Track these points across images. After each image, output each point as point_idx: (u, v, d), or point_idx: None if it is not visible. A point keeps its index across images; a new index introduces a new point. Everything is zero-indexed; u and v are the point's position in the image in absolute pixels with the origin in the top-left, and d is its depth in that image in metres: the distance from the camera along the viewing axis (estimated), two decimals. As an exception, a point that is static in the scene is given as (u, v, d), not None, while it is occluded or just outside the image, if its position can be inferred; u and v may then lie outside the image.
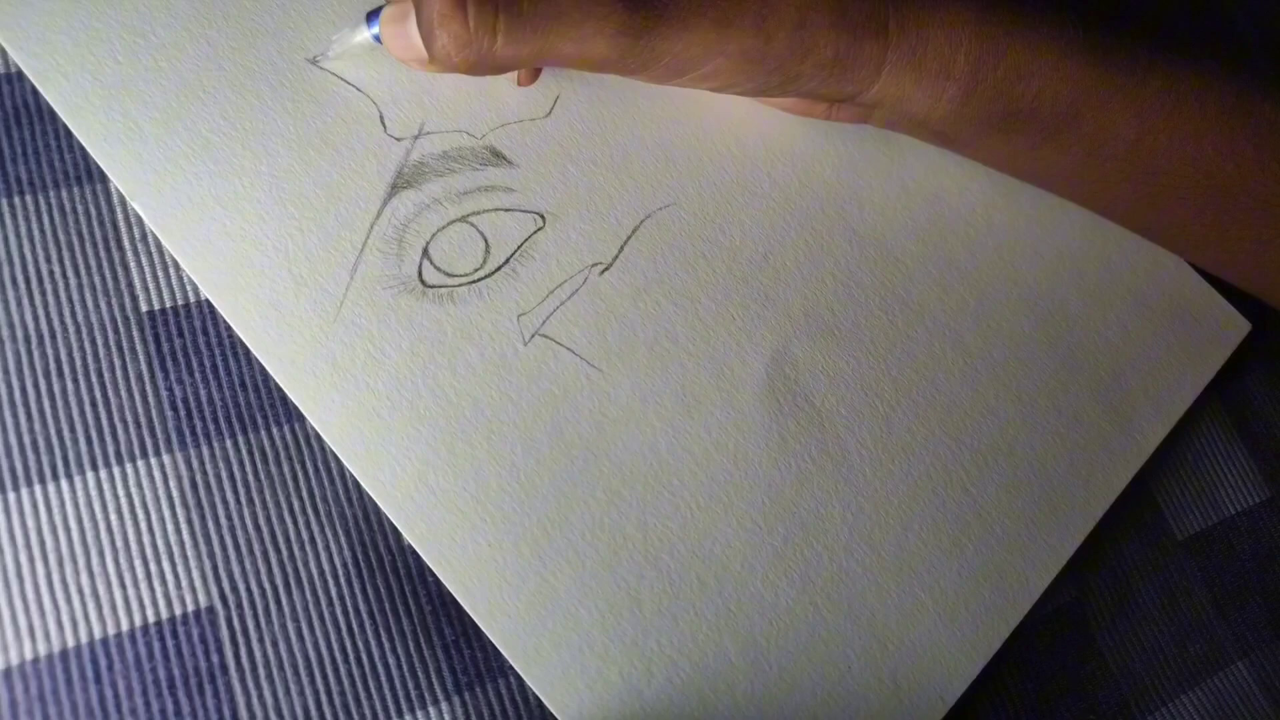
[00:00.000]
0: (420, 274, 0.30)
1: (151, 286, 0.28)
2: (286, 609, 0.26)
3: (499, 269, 0.30)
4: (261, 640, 0.26)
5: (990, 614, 0.30)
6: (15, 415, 0.26)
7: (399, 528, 0.27)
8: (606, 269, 0.31)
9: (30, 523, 0.25)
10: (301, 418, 0.28)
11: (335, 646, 0.26)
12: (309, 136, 0.30)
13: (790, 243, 0.33)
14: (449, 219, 0.30)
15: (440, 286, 0.30)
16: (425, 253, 0.30)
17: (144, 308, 0.28)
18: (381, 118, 0.31)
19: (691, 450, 0.30)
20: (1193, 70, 0.30)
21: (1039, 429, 0.33)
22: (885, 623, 0.30)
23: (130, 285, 0.28)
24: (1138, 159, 0.31)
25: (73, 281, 0.28)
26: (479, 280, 0.30)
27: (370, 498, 0.27)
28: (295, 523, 0.27)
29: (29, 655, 0.24)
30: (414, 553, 0.27)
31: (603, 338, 0.30)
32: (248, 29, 0.31)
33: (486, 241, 0.31)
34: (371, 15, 0.29)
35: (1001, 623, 0.31)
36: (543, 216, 0.31)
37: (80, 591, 0.25)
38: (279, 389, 0.28)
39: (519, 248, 0.31)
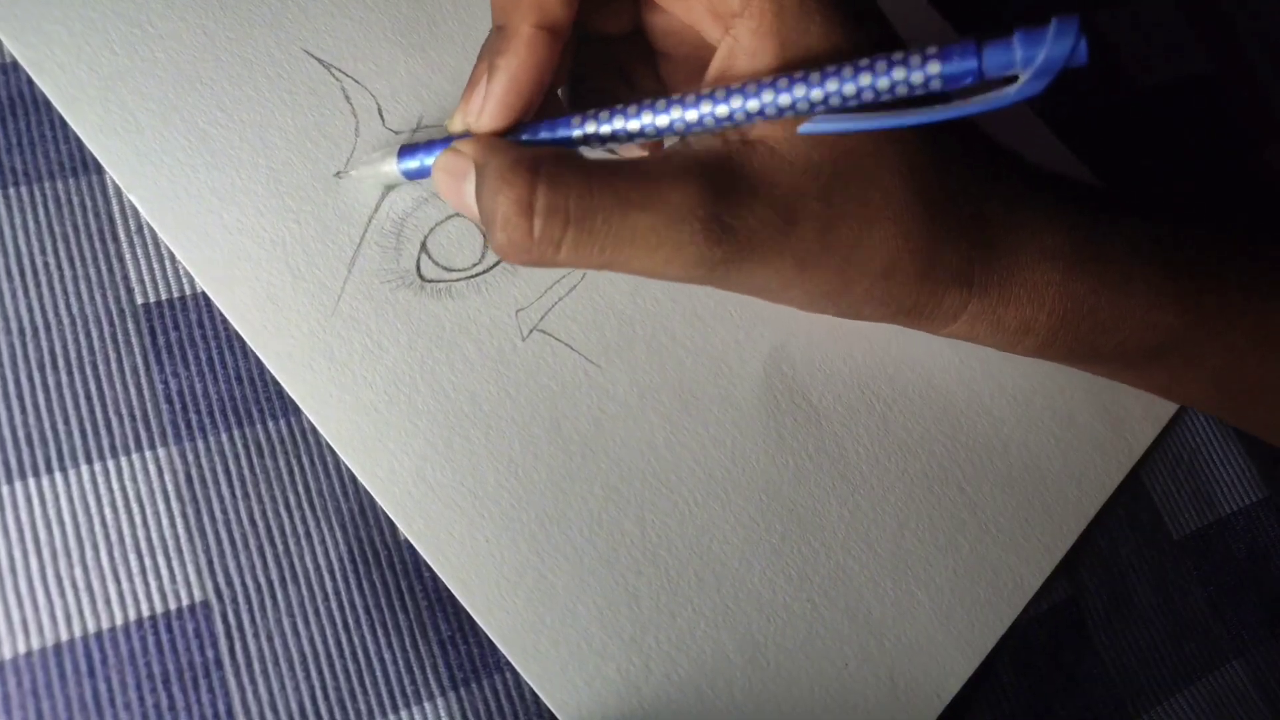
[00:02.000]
0: (418, 268, 0.29)
1: (147, 279, 0.28)
2: (282, 604, 0.26)
3: (497, 264, 0.30)
4: (257, 635, 0.26)
5: (985, 611, 0.31)
6: (9, 408, 0.26)
7: (396, 523, 0.27)
8: (605, 265, 0.31)
9: (24, 516, 0.25)
10: (298, 411, 0.28)
11: (331, 641, 0.26)
12: (307, 129, 0.30)
13: (788, 240, 0.33)
14: (447, 213, 0.30)
15: (438, 281, 0.30)
16: (423, 247, 0.30)
17: (139, 300, 0.28)
18: (380, 110, 0.31)
19: (689, 446, 0.30)
20: None
21: (1033, 428, 0.33)
22: (882, 620, 0.30)
23: (126, 278, 0.28)
24: (1224, 382, 0.30)
25: (68, 274, 0.28)
26: (477, 275, 0.30)
27: (367, 492, 0.27)
28: (291, 517, 0.27)
29: (22, 649, 0.24)
30: (411, 548, 0.27)
31: (601, 334, 0.30)
32: (245, 20, 0.31)
33: (484, 236, 0.30)
34: (404, 152, 0.28)
35: (997, 620, 0.31)
36: (541, 212, 0.31)
37: (74, 585, 0.25)
38: (275, 382, 0.28)
39: (517, 243, 0.31)
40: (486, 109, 0.25)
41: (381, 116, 0.31)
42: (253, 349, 0.28)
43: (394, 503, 0.27)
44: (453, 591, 0.27)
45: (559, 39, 0.26)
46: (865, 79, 0.22)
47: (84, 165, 0.29)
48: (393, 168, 0.28)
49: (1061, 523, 0.33)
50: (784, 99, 0.23)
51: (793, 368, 0.32)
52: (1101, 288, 0.27)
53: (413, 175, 0.28)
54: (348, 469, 0.27)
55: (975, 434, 0.33)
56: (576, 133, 0.25)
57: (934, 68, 0.21)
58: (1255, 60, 0.44)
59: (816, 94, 0.22)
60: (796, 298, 0.26)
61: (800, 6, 0.24)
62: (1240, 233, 0.30)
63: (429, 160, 0.27)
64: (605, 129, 0.25)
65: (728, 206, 0.24)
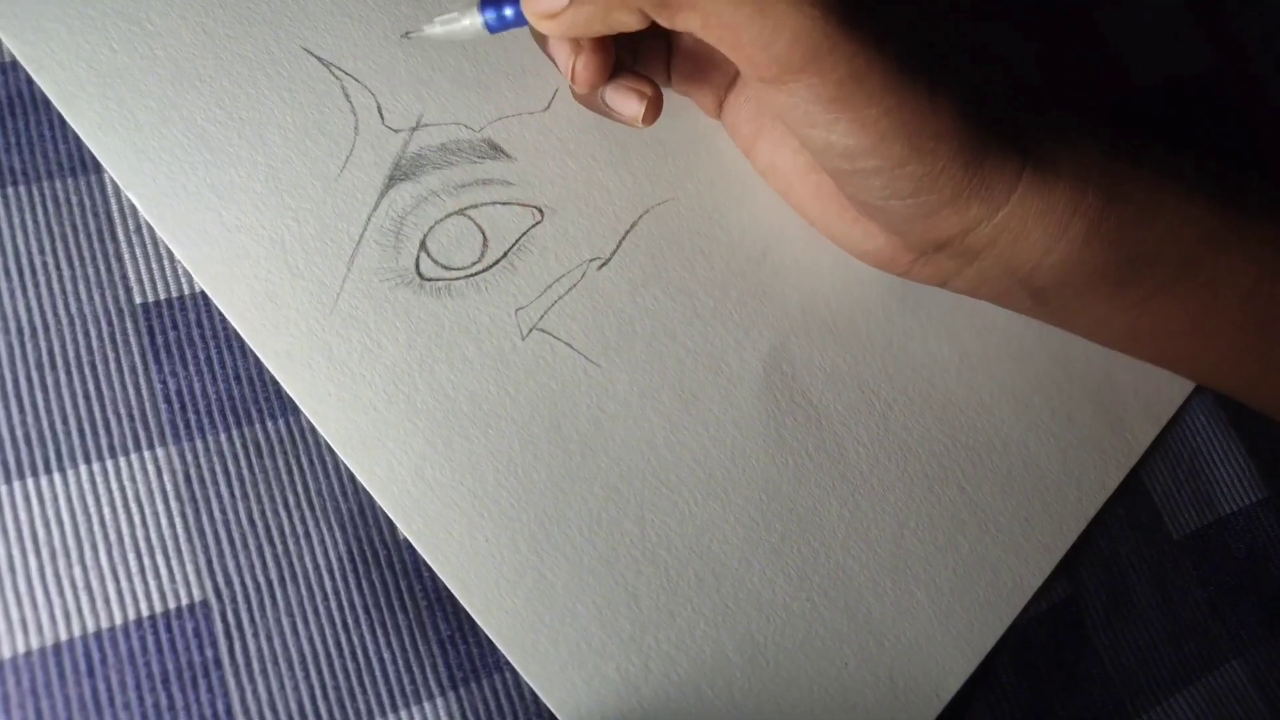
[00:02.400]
0: (418, 267, 0.29)
1: (146, 278, 0.28)
2: (281, 603, 0.26)
3: (497, 263, 0.30)
4: (256, 635, 0.26)
5: (985, 611, 0.31)
6: (8, 408, 0.26)
7: (395, 522, 0.27)
8: (605, 264, 0.31)
9: (23, 516, 0.25)
10: (296, 411, 0.28)
11: (330, 641, 0.26)
12: (306, 126, 0.30)
13: (789, 240, 0.33)
14: (447, 212, 0.30)
15: (438, 280, 0.29)
16: (423, 245, 0.30)
17: (138, 300, 0.28)
18: (379, 109, 0.31)
19: (689, 446, 0.30)
20: None
21: (1033, 428, 0.33)
22: (881, 619, 0.30)
23: (124, 277, 0.28)
24: (1253, 307, 0.29)
25: (66, 273, 0.28)
26: (477, 274, 0.30)
27: (366, 492, 0.27)
28: (290, 517, 0.27)
29: (21, 649, 0.24)
30: (410, 548, 0.27)
31: (600, 333, 0.30)
32: (244, 17, 0.31)
33: (484, 235, 0.30)
34: (485, 3, 0.27)
35: (996, 620, 0.31)
36: (541, 210, 0.31)
37: (73, 585, 0.25)
38: (274, 382, 0.28)
39: (517, 242, 0.31)
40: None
41: (381, 115, 0.31)
42: (251, 348, 0.27)
43: (393, 502, 0.27)
44: (452, 591, 0.27)
45: None
46: None
47: (83, 165, 0.28)
48: (476, 23, 0.27)
49: (1061, 522, 0.33)
50: None
51: (792, 367, 0.32)
52: (1138, 174, 0.28)
53: (496, 26, 0.27)
54: (347, 469, 0.27)
55: (975, 433, 0.33)
56: None
57: None
58: (1255, 58, 0.44)
59: None
60: (867, 129, 0.25)
61: None
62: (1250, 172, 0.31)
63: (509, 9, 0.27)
64: None
65: None
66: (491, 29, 0.27)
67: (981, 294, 0.31)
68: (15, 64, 0.29)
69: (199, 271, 0.28)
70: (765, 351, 0.32)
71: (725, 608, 0.28)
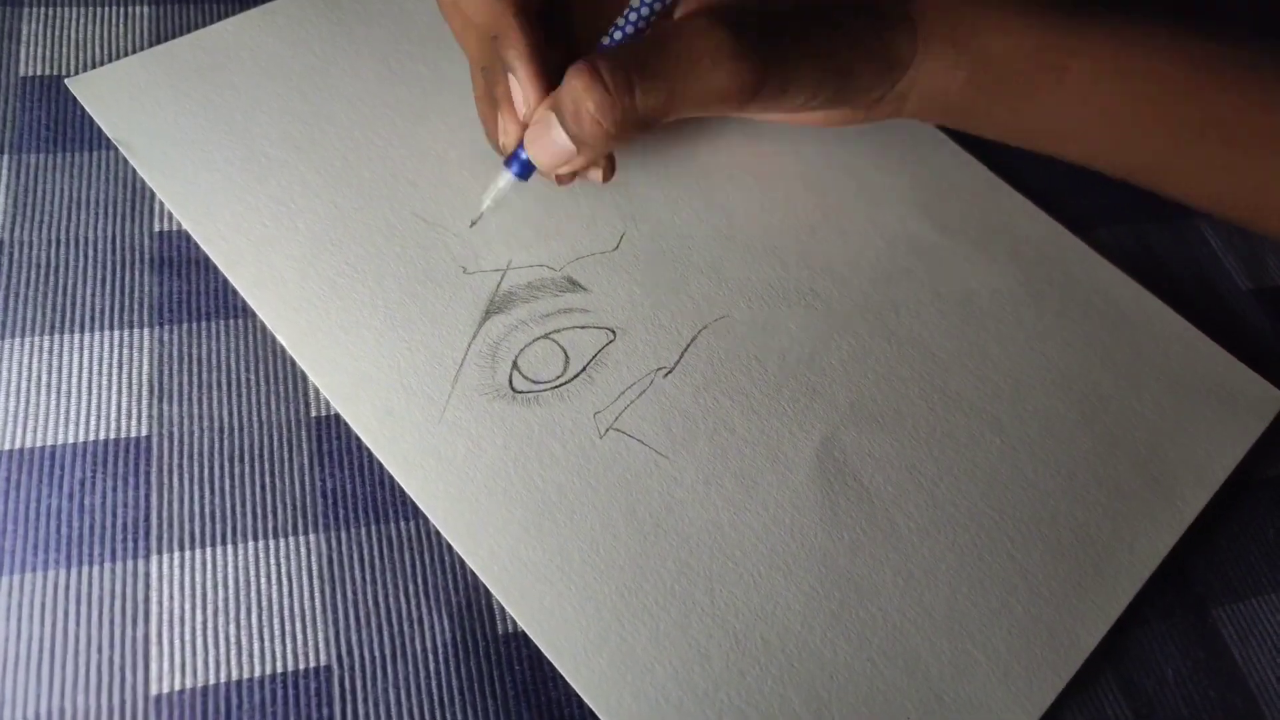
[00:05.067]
0: (511, 382, 0.35)
1: (322, 397, 0.34)
2: (391, 676, 0.30)
3: (577, 376, 0.35)
4: (367, 700, 0.30)
5: (1043, 669, 0.32)
6: (202, 489, 0.32)
7: (495, 594, 0.31)
8: (670, 372, 0.36)
9: (199, 578, 0.30)
10: (423, 515, 0.32)
11: (427, 716, 0.30)
12: (417, 275, 0.36)
13: (834, 345, 0.38)
14: (534, 336, 0.36)
15: (528, 392, 0.35)
16: (515, 365, 0.35)
17: (313, 414, 0.34)
18: (476, 257, 0.37)
19: (751, 525, 0.33)
20: (1143, 17, 0.35)
21: (1080, 499, 0.36)
22: (940, 677, 0.32)
23: (305, 394, 0.34)
24: (1119, 98, 0.35)
25: (261, 387, 0.34)
26: (560, 386, 0.35)
27: (473, 587, 0.32)
28: (408, 603, 0.31)
29: (177, 686, 0.29)
30: (507, 640, 0.31)
31: (668, 430, 0.35)
32: (366, 193, 0.38)
33: (566, 354, 0.36)
34: (508, 161, 0.35)
35: (1055, 676, 0.32)
36: (613, 331, 0.36)
37: (227, 639, 0.30)
38: (406, 489, 0.33)
39: (593, 358, 0.36)
40: (528, 91, 0.33)
41: (478, 262, 0.37)
42: (373, 452, 0.33)
43: (494, 579, 0.31)
44: (545, 653, 0.30)
45: (533, 16, 0.33)
46: None
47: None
48: (507, 177, 0.35)
49: (1114, 586, 0.34)
50: None
51: (844, 453, 0.35)
52: (1003, 3, 0.35)
53: (522, 173, 0.35)
54: (459, 566, 0.32)
55: (1022, 506, 0.35)
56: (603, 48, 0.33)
57: None
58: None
59: None
60: (813, 78, 0.33)
61: None
62: None
63: (523, 153, 0.34)
64: (620, 34, 0.33)
65: (738, 16, 0.31)
66: (522, 178, 0.35)
67: (926, 118, 0.38)
68: (188, 236, 0.36)
69: (331, 394, 0.34)
70: (817, 441, 0.35)
71: (791, 667, 0.31)
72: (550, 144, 0.33)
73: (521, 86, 0.33)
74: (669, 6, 0.33)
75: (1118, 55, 0.35)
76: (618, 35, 0.33)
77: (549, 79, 0.33)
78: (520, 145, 0.34)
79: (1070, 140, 0.38)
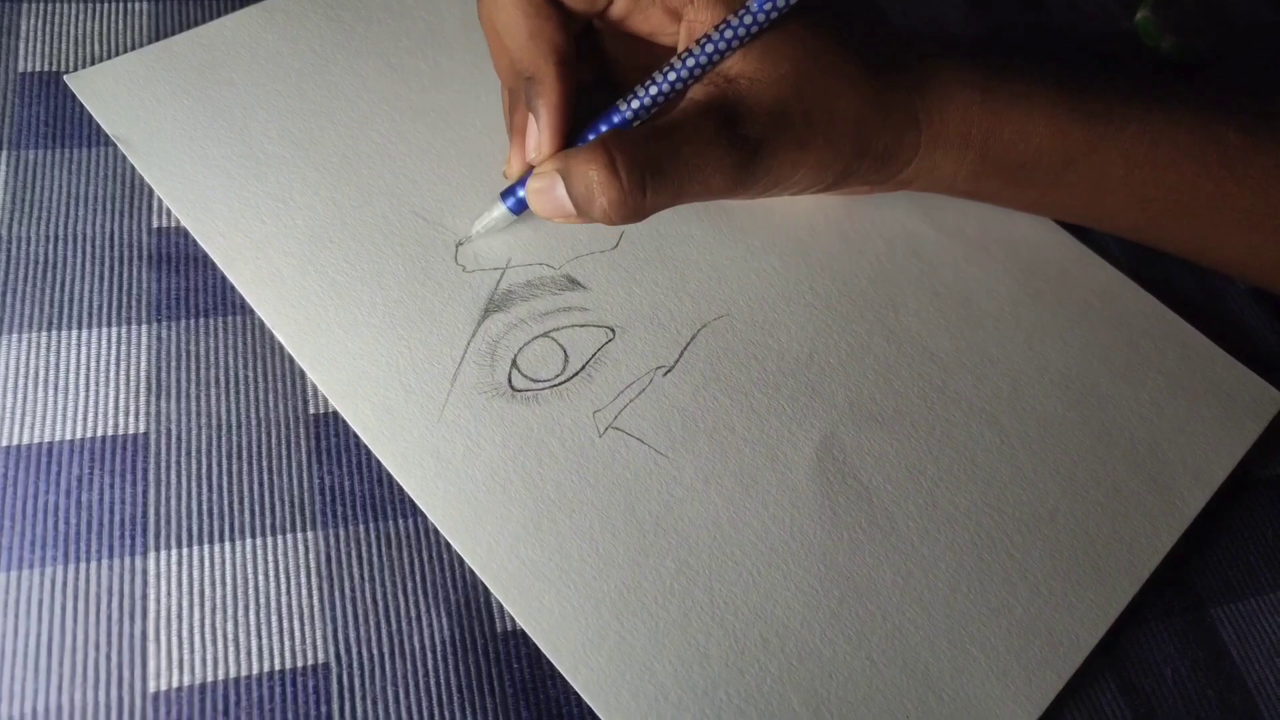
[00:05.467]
0: (510, 381, 0.35)
1: (320, 394, 0.34)
2: (389, 674, 0.30)
3: (576, 374, 0.35)
4: (365, 698, 0.29)
5: (1042, 668, 0.32)
6: (200, 486, 0.32)
7: (494, 593, 0.31)
8: (669, 371, 0.36)
9: (196, 575, 0.30)
10: (422, 512, 0.32)
11: (426, 714, 0.29)
12: (415, 273, 0.36)
13: (833, 344, 0.38)
14: (533, 335, 0.36)
15: (527, 390, 0.35)
16: (514, 363, 0.35)
17: (311, 411, 0.34)
18: (475, 256, 0.37)
19: (750, 524, 0.33)
20: (1164, 109, 0.36)
21: (1079, 499, 0.36)
22: (939, 676, 0.32)
23: (303, 391, 0.34)
24: (1129, 190, 0.37)
25: (259, 385, 0.34)
26: (560, 384, 0.35)
27: (472, 585, 0.31)
28: (406, 601, 0.31)
29: (175, 684, 0.29)
30: (505, 639, 0.31)
31: (668, 429, 0.35)
32: (365, 190, 0.38)
33: (565, 352, 0.36)
34: (505, 194, 0.36)
35: (1054, 676, 0.32)
36: (613, 330, 0.36)
37: (224, 636, 0.30)
38: (403, 485, 0.33)
39: (593, 356, 0.36)
40: (544, 141, 0.34)
41: (477, 260, 0.37)
42: (372, 451, 0.33)
43: (492, 577, 0.31)
44: (544, 652, 0.30)
45: (573, 71, 0.34)
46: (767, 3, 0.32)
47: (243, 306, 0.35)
48: (501, 210, 0.36)
49: (1114, 585, 0.34)
50: (739, 27, 0.33)
51: (843, 452, 0.35)
52: (1012, 100, 0.36)
53: (517, 209, 0.36)
54: (458, 563, 0.32)
55: (1021, 505, 0.35)
56: (613, 121, 0.34)
57: None
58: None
59: (749, 20, 0.33)
60: (804, 177, 0.35)
61: None
62: (1113, 65, 0.38)
63: (522, 191, 0.35)
64: (630, 114, 0.34)
65: (740, 124, 0.33)
66: (515, 213, 0.36)
67: (932, 192, 0.39)
68: (187, 232, 0.36)
69: (329, 391, 0.34)
70: (817, 440, 0.35)
71: (790, 665, 0.31)
72: (551, 201, 0.33)
73: (540, 133, 0.34)
74: (688, 85, 0.34)
75: (1141, 150, 0.36)
76: (636, 104, 0.34)
77: (568, 133, 0.34)
78: (521, 183, 0.35)
79: (1092, 221, 0.40)
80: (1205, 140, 0.36)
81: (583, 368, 0.35)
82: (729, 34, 0.33)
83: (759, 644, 0.31)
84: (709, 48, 0.33)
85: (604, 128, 0.34)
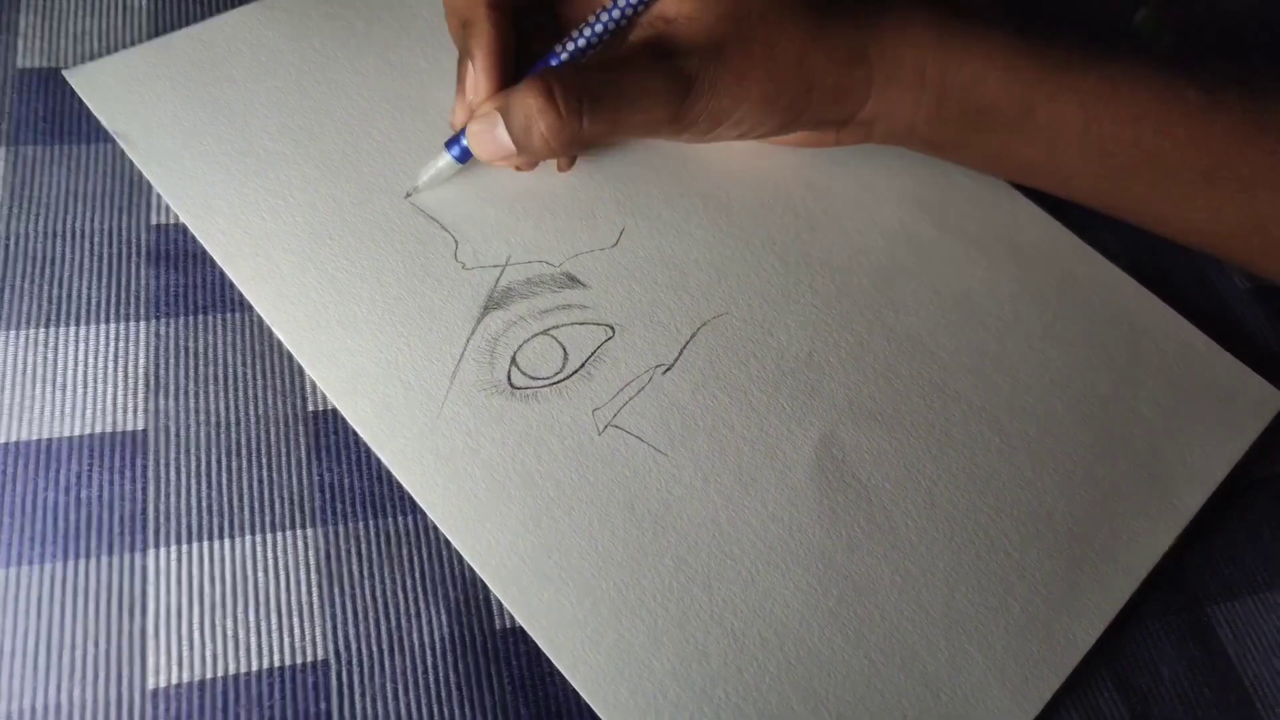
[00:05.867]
0: (509, 378, 0.35)
1: (319, 391, 0.34)
2: (388, 670, 0.30)
3: (576, 372, 0.35)
4: (364, 695, 0.30)
5: (1040, 666, 0.32)
6: (199, 483, 0.32)
7: (493, 590, 0.31)
8: (669, 369, 0.36)
9: (195, 571, 0.30)
10: (421, 509, 0.32)
11: (425, 711, 0.30)
12: (415, 270, 0.36)
13: (833, 342, 0.38)
14: (533, 332, 0.36)
15: (526, 388, 0.35)
16: (513, 361, 0.35)
17: (310, 408, 0.34)
18: (475, 253, 0.37)
19: (750, 522, 0.33)
20: (1124, 64, 0.35)
21: (1077, 498, 0.36)
22: (937, 675, 0.32)
23: (302, 388, 0.34)
24: (1088, 144, 0.36)
25: (259, 381, 0.34)
26: (559, 382, 0.35)
27: (471, 582, 0.32)
28: (405, 598, 0.31)
29: (174, 680, 0.29)
30: (503, 635, 0.31)
31: (667, 427, 0.35)
32: (365, 187, 0.38)
33: (565, 350, 0.36)
34: (449, 142, 0.37)
35: (1052, 674, 0.32)
36: (612, 328, 0.36)
37: (224, 633, 0.30)
38: (404, 483, 0.33)
39: (592, 354, 0.36)
40: (480, 83, 0.35)
41: (477, 258, 0.37)
42: (371, 448, 0.33)
43: (491, 573, 0.31)
44: (543, 649, 0.30)
45: (507, 13, 0.35)
46: None
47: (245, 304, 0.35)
48: (446, 159, 0.37)
49: (1112, 585, 0.34)
50: None
51: (842, 451, 0.35)
52: (968, 41, 0.35)
53: (461, 158, 0.37)
54: (457, 561, 0.32)
55: (1019, 505, 0.35)
56: (553, 61, 0.35)
57: None
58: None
59: None
60: (747, 113, 0.35)
61: None
62: (1070, 32, 0.36)
63: (465, 140, 0.36)
64: (566, 54, 0.35)
65: (677, 59, 0.33)
66: (460, 161, 0.37)
67: (895, 144, 0.39)
68: (185, 229, 0.36)
69: (328, 388, 0.33)
70: (816, 439, 0.35)
71: (788, 664, 0.31)
72: (491, 141, 0.34)
73: (475, 76, 0.35)
74: (623, 27, 0.35)
75: (1100, 102, 0.35)
76: (572, 46, 0.35)
77: (505, 75, 0.35)
78: (464, 132, 0.36)
79: (1052, 180, 0.39)
80: (1165, 96, 0.35)
81: (582, 365, 0.35)
82: None
83: (758, 642, 0.31)
84: None
85: (543, 67, 0.35)
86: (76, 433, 0.32)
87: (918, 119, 0.37)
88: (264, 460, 0.33)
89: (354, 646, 0.30)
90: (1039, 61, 0.35)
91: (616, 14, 0.34)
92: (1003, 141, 0.37)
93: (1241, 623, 0.36)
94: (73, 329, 0.34)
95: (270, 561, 0.31)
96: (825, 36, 0.35)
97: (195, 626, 0.30)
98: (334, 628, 0.30)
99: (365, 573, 0.31)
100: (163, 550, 0.30)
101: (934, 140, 0.38)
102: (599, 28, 0.35)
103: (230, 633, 0.30)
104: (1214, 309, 0.44)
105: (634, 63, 0.33)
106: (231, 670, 0.29)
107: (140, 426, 0.32)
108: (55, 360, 0.33)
